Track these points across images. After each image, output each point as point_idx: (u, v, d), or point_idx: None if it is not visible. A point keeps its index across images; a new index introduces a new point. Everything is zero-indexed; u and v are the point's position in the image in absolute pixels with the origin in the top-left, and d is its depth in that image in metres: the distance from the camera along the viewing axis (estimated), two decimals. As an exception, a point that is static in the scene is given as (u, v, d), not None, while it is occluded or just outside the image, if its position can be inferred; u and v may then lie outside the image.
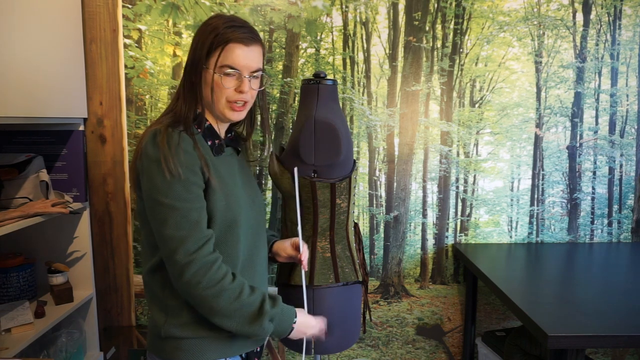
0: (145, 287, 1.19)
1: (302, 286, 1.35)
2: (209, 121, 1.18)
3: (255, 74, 1.14)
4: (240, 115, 1.16)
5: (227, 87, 1.11)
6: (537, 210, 2.25)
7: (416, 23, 2.13)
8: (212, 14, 1.99)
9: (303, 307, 1.29)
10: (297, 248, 1.33)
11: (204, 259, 1.06)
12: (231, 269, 1.13)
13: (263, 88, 1.21)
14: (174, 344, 1.14)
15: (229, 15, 1.16)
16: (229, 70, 1.10)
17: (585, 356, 1.61)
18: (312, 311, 1.51)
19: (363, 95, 2.15)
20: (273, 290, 2.14)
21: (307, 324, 1.23)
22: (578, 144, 2.21)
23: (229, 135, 1.25)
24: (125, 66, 2.10)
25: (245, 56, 1.10)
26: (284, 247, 1.37)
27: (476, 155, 2.21)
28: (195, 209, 1.07)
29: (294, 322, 1.19)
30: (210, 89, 1.11)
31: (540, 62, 2.16)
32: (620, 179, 2.24)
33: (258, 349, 1.29)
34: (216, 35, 1.09)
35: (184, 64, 1.27)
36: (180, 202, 1.05)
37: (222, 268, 1.09)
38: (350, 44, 2.13)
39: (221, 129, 1.21)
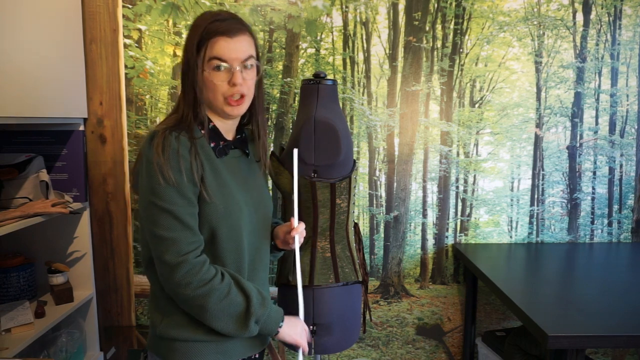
0: (150, 284, 1.20)
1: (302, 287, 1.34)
2: (213, 122, 1.16)
3: (247, 64, 1.10)
4: (239, 110, 1.13)
5: (217, 83, 1.09)
6: (537, 210, 2.25)
7: (416, 23, 2.13)
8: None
9: (299, 308, 1.27)
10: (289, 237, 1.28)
11: (194, 260, 1.07)
12: (232, 271, 1.13)
13: (259, 77, 1.17)
14: (169, 344, 1.14)
15: (216, 11, 1.13)
16: (218, 64, 1.08)
17: (585, 356, 1.60)
18: (311, 311, 1.51)
19: (363, 95, 2.15)
20: (273, 290, 2.15)
21: (293, 330, 1.21)
22: (578, 144, 2.21)
23: (239, 136, 1.22)
24: (125, 66, 2.10)
25: (231, 47, 1.08)
26: (280, 226, 1.32)
27: (476, 155, 2.21)
28: (188, 213, 1.07)
29: (280, 327, 1.18)
30: (206, 88, 1.10)
31: (540, 62, 2.16)
32: (620, 179, 2.24)
33: (257, 355, 1.27)
34: (202, 31, 1.08)
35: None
36: (173, 206, 1.05)
37: (211, 268, 1.09)
38: (350, 44, 2.13)
39: (228, 130, 1.19)
